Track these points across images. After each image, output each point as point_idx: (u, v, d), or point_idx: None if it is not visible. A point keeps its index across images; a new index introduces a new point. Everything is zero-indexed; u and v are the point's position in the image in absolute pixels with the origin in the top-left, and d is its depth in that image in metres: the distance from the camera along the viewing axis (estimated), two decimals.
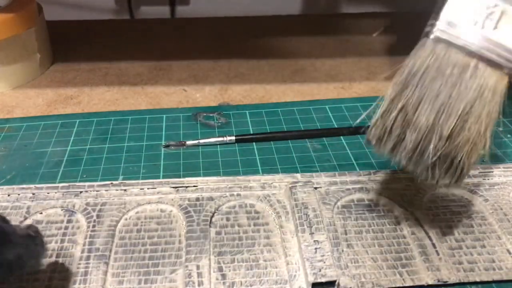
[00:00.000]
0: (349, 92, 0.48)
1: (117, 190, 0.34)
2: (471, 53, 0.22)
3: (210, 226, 0.31)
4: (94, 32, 0.59)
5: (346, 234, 0.31)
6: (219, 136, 0.40)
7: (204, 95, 0.47)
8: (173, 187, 0.34)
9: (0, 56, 0.46)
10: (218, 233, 0.31)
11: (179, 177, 0.36)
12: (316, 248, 0.29)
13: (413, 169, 0.24)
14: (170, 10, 0.71)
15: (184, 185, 0.34)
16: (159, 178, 0.36)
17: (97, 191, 0.34)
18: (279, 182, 0.34)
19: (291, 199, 0.32)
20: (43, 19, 0.51)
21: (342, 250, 0.29)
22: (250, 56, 0.54)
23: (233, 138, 0.39)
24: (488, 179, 0.35)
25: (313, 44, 0.57)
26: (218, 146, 0.39)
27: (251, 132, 0.41)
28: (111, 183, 0.34)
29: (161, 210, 0.33)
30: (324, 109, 0.44)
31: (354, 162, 0.37)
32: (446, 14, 0.23)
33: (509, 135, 0.40)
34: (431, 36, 0.23)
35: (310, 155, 0.38)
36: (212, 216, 0.32)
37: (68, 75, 0.50)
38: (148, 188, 0.34)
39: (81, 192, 0.33)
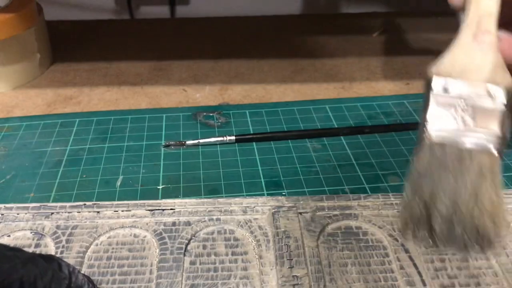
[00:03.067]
0: (349, 92, 0.48)
1: (89, 212, 0.31)
2: (463, 146, 0.25)
3: (184, 255, 0.29)
4: (94, 32, 0.59)
5: (330, 266, 0.29)
6: (219, 136, 0.40)
7: (204, 95, 0.47)
8: (149, 210, 0.32)
9: (0, 56, 0.46)
10: (192, 262, 0.29)
11: (178, 176, 0.36)
12: (294, 285, 0.27)
13: (450, 247, 0.26)
14: (170, 10, 0.71)
15: (160, 208, 0.32)
16: (159, 177, 0.36)
17: (68, 212, 0.31)
18: (262, 206, 0.32)
19: (273, 226, 0.30)
20: (43, 19, 0.51)
21: (324, 286, 0.27)
22: (250, 56, 0.54)
23: (233, 138, 0.39)
24: None
25: (313, 44, 0.57)
26: (218, 146, 0.39)
27: (251, 132, 0.41)
28: (84, 204, 0.32)
29: (135, 235, 0.30)
30: (324, 109, 0.44)
31: (354, 162, 0.37)
32: (431, 119, 0.26)
33: None
34: (426, 141, 0.26)
35: (310, 155, 0.38)
36: (187, 244, 0.30)
37: (68, 75, 0.50)
38: (122, 211, 0.32)
39: (52, 213, 0.31)
